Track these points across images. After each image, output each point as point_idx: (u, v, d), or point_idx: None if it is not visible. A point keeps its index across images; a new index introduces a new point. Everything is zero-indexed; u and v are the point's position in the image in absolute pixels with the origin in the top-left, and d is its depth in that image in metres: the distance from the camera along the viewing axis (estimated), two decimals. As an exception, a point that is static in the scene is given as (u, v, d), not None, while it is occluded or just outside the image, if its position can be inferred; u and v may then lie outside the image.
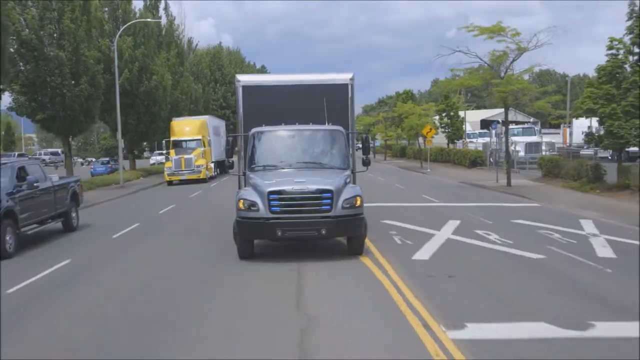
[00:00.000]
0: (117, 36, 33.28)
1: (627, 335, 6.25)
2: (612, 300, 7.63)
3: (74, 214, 15.53)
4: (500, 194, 22.84)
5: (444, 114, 46.53)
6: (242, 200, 10.29)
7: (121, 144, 33.66)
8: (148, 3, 46.65)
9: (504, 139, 28.14)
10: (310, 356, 5.87)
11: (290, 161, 11.50)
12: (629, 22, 20.27)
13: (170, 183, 32.90)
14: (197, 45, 70.75)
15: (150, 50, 39.26)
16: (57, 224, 14.94)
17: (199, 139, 34.40)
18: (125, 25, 35.19)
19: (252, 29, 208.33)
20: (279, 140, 11.95)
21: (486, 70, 24.16)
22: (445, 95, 46.21)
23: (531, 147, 35.14)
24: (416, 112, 43.59)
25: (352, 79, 13.37)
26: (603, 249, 11.10)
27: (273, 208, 10.00)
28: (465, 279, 8.92)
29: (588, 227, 13.86)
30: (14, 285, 9.33)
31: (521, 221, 14.93)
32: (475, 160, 38.36)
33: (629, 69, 20.19)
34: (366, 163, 12.18)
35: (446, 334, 6.30)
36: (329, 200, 10.04)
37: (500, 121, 28.54)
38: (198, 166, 33.02)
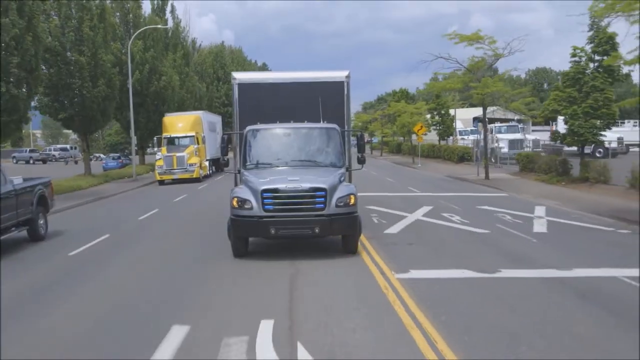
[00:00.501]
0: (130, 41, 35.89)
1: (517, 277, 8.95)
2: (521, 258, 10.29)
3: (41, 221, 13.73)
4: (477, 185, 25.48)
5: (435, 112, 49.11)
6: (235, 198, 10.27)
7: (134, 140, 36.06)
8: (155, 6, 49.24)
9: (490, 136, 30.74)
10: (297, 289, 8.47)
11: (285, 159, 11.48)
12: (590, 33, 22.86)
13: (161, 183, 31.10)
14: (200, 45, 73.40)
15: (158, 53, 41.80)
16: (22, 233, 13.34)
17: (193, 136, 32.76)
18: (138, 32, 37.79)
19: (253, 26, 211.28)
20: (273, 138, 11.96)
21: (466, 74, 26.80)
22: (436, 94, 48.74)
23: (514, 144, 37.73)
24: (408, 110, 46.19)
25: (347, 77, 13.47)
26: (540, 227, 13.73)
27: (266, 206, 9.99)
28: (420, 245, 11.58)
29: (539, 211, 16.45)
30: (73, 250, 11.92)
31: (485, 207, 17.53)
32: (463, 156, 40.84)
33: (589, 75, 22.72)
34: (361, 161, 12.32)
35: (394, 276, 8.94)
36: (322, 199, 10.00)
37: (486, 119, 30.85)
38: (191, 165, 31.29)
